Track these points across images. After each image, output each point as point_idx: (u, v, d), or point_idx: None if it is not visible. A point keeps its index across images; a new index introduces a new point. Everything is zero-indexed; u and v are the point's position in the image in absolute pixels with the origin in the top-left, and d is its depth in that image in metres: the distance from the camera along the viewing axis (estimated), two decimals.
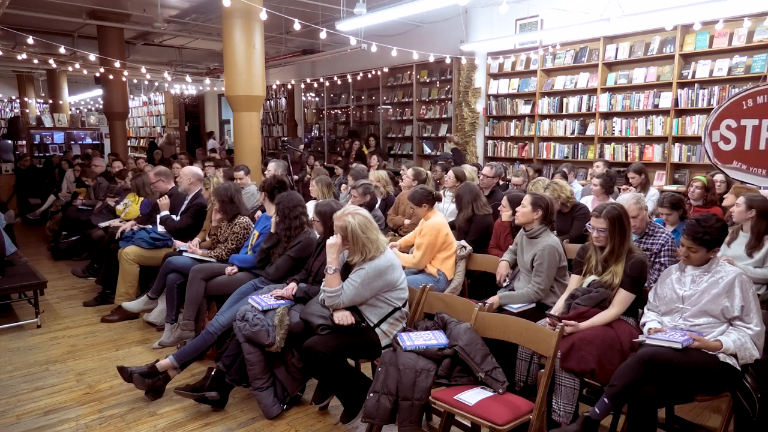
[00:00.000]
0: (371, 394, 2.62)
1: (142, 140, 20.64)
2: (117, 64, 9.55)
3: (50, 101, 15.89)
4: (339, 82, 11.55)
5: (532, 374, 2.77)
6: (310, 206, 4.10)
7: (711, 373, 2.43)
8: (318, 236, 3.55)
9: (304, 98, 13.85)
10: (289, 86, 13.54)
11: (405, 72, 10.59)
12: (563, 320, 2.69)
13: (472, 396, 2.45)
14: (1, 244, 4.73)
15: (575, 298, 2.88)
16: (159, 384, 3.29)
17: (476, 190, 4.57)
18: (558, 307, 2.98)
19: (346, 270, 3.00)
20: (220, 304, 3.71)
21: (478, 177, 5.76)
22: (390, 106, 11.25)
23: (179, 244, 4.58)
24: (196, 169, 5.26)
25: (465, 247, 3.96)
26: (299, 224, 3.64)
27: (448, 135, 9.99)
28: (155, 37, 12.14)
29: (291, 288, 3.29)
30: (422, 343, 2.67)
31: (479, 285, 4.17)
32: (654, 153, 7.17)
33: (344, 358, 2.91)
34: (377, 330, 2.90)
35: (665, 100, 6.96)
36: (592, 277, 2.92)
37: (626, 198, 3.40)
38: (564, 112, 8.09)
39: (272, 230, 3.78)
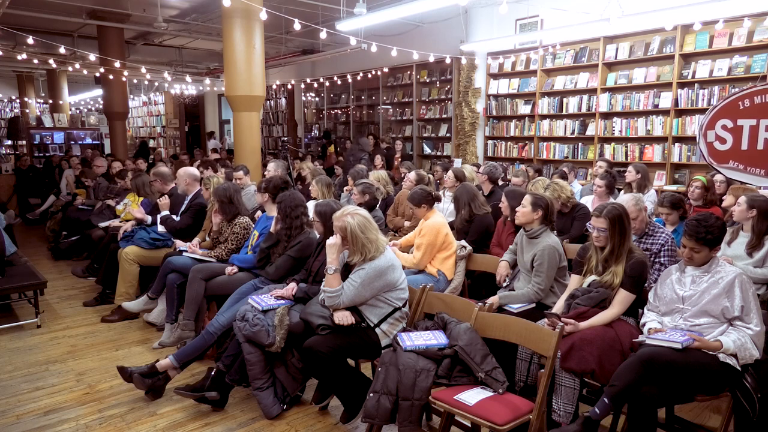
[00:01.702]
0: (371, 394, 2.62)
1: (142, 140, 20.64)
2: (117, 64, 9.55)
3: (50, 101, 15.88)
4: (339, 82, 11.56)
5: (532, 374, 2.77)
6: (311, 206, 4.10)
7: (711, 373, 2.43)
8: (318, 236, 3.55)
9: (304, 98, 13.85)
10: (289, 86, 13.54)
11: (405, 72, 10.60)
12: (562, 319, 2.69)
13: (472, 396, 2.45)
14: (1, 244, 4.73)
15: (575, 298, 2.88)
16: (159, 384, 3.29)
17: (473, 190, 4.57)
18: (558, 307, 2.98)
19: (346, 270, 3.00)
20: (220, 304, 3.71)
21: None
22: (390, 106, 11.25)
23: (179, 244, 4.58)
24: (192, 169, 5.24)
25: (465, 247, 3.96)
26: (300, 224, 3.64)
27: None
28: (155, 37, 12.14)
29: (291, 288, 3.29)
30: (422, 343, 2.67)
31: (479, 285, 4.17)
32: (654, 153, 7.17)
33: (344, 358, 2.91)
34: (377, 330, 2.90)
35: (665, 100, 6.96)
36: (592, 277, 2.92)
37: (625, 199, 3.39)
38: (564, 112, 8.09)
39: (272, 230, 3.78)
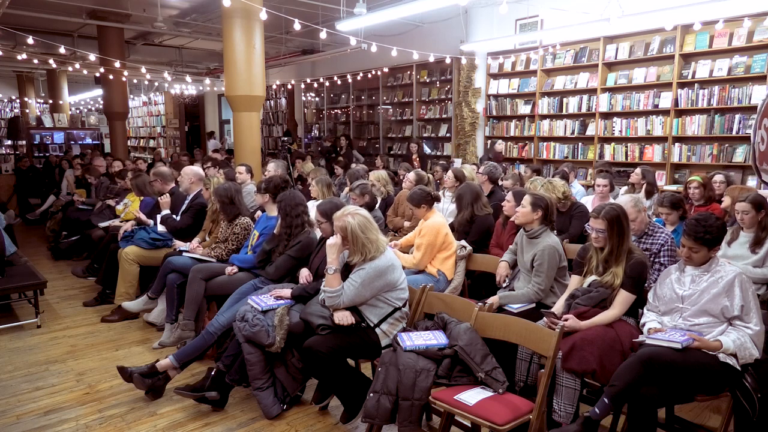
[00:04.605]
0: (371, 394, 2.62)
1: (141, 140, 20.65)
2: (117, 64, 9.55)
3: (50, 101, 15.88)
4: (339, 82, 11.56)
5: (532, 374, 2.77)
6: (311, 206, 4.10)
7: (711, 373, 2.43)
8: (320, 236, 3.55)
9: (304, 98, 13.86)
10: (289, 86, 13.54)
11: (405, 72, 10.60)
12: (562, 317, 2.70)
13: (472, 396, 2.45)
14: (1, 244, 4.73)
15: (575, 298, 2.88)
16: (159, 384, 3.28)
17: (477, 190, 4.57)
18: (558, 308, 2.98)
19: (346, 270, 3.00)
20: (220, 304, 3.71)
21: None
22: (390, 106, 11.25)
23: (179, 244, 4.58)
24: (197, 168, 5.26)
25: (465, 247, 3.96)
26: (300, 223, 3.64)
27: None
28: (155, 37, 12.15)
29: (287, 292, 3.28)
30: (422, 343, 2.67)
31: (479, 285, 4.17)
32: (654, 153, 7.18)
33: (344, 358, 2.91)
34: (377, 330, 2.90)
35: (665, 100, 6.96)
36: (592, 277, 2.92)
37: (624, 200, 3.38)
38: (564, 112, 8.10)
39: (276, 231, 3.77)
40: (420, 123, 10.52)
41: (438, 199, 4.16)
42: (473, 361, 2.56)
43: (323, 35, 6.49)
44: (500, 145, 8.48)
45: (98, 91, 14.51)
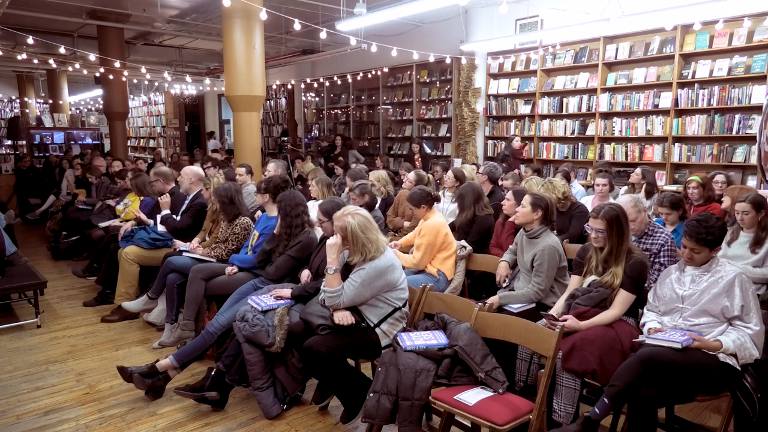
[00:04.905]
0: (371, 394, 2.62)
1: (141, 140, 20.65)
2: (117, 64, 9.55)
3: (50, 101, 15.88)
4: (339, 82, 11.56)
5: (532, 374, 2.77)
6: (311, 206, 4.10)
7: (711, 373, 2.43)
8: (320, 235, 3.54)
9: (304, 98, 13.86)
10: (289, 86, 13.54)
11: (405, 72, 10.60)
12: (561, 317, 2.69)
13: (472, 396, 2.45)
14: (1, 244, 4.73)
15: (575, 298, 2.88)
16: (159, 384, 3.29)
17: (479, 189, 4.57)
18: (558, 308, 2.98)
19: (346, 270, 3.00)
20: (220, 304, 3.71)
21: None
22: (390, 106, 11.26)
23: (179, 244, 4.58)
24: (197, 169, 5.26)
25: (465, 247, 3.96)
26: (300, 223, 3.64)
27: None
28: (155, 37, 12.15)
29: (287, 292, 3.28)
30: (422, 343, 2.67)
31: (479, 285, 4.17)
32: (654, 153, 7.18)
33: (344, 358, 2.91)
34: (377, 330, 2.90)
35: (665, 100, 6.96)
36: (592, 277, 2.92)
37: (624, 200, 3.38)
38: (564, 112, 8.10)
39: (276, 231, 3.77)
40: (420, 123, 10.52)
41: (438, 199, 4.16)
42: (473, 361, 2.56)
43: (323, 35, 6.49)
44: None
45: (98, 91, 14.51)
